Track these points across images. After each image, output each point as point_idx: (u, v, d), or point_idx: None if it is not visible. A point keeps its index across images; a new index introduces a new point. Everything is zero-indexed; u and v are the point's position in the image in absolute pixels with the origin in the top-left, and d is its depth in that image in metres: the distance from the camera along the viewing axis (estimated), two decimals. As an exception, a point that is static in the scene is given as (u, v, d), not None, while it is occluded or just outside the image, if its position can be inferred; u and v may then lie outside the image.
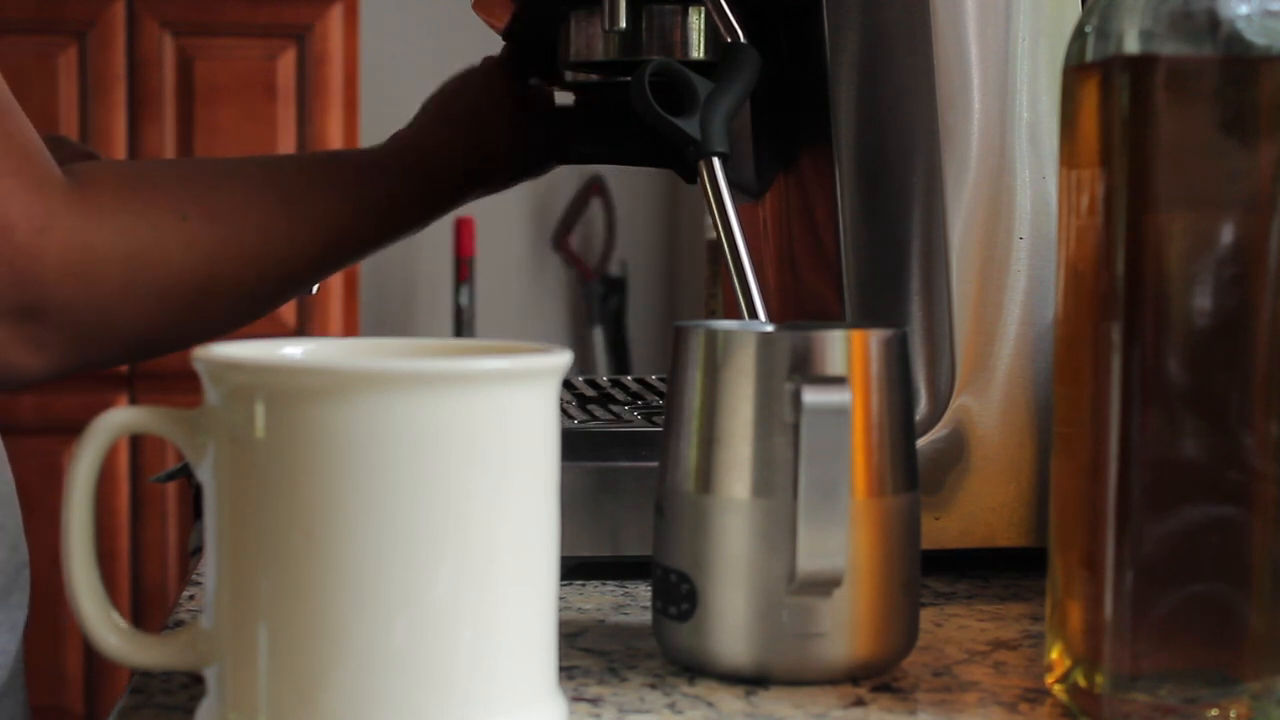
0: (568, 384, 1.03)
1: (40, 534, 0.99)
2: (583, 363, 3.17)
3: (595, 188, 3.15)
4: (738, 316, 0.78)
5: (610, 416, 0.88)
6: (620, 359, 3.16)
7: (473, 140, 1.00)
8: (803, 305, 0.93)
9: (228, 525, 0.52)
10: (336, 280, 2.68)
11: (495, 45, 1.05)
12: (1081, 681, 0.57)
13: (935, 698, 0.61)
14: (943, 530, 0.79)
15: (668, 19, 0.89)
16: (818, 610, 0.61)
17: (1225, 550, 0.55)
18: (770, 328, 0.65)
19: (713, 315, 2.65)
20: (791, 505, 0.60)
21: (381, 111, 2.98)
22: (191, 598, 0.75)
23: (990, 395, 0.80)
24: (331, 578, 0.50)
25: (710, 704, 0.60)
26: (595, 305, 3.16)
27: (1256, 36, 0.55)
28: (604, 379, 1.07)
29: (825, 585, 0.60)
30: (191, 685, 0.61)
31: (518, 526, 0.52)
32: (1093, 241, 0.57)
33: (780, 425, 0.61)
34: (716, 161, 0.78)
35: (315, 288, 0.93)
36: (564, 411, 0.89)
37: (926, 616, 0.73)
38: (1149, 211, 0.55)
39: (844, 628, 0.61)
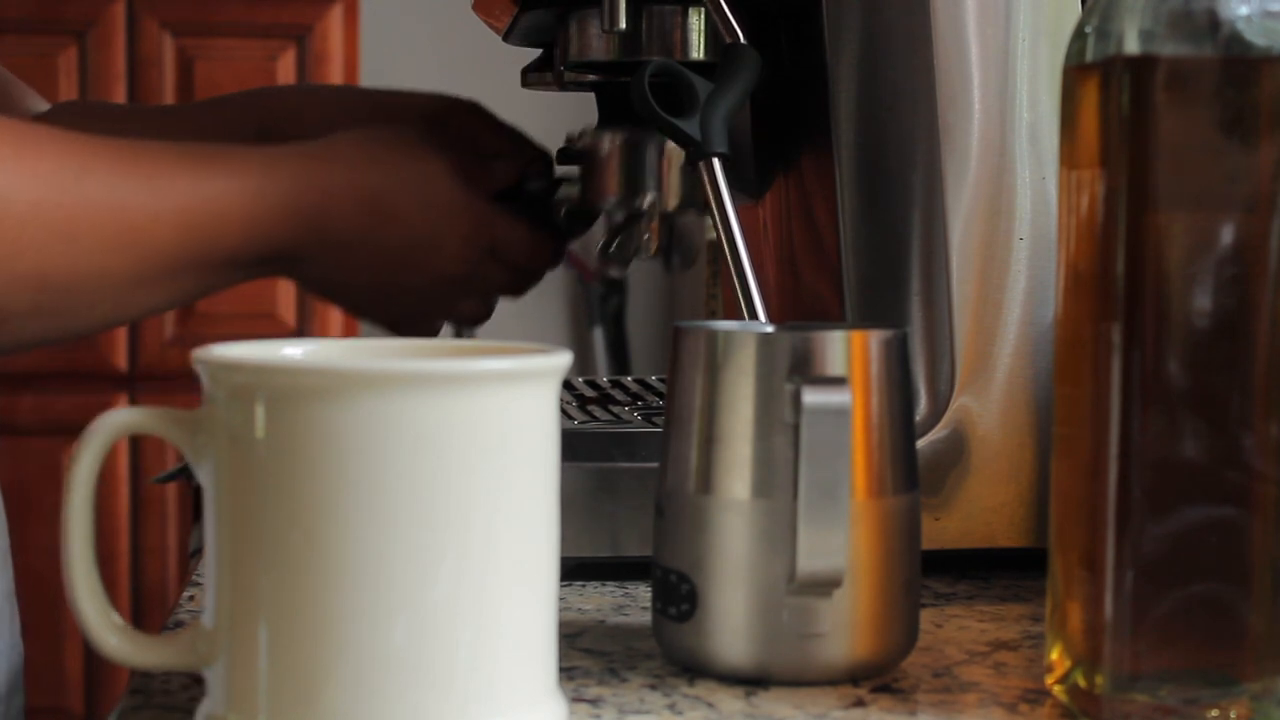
0: (568, 384, 1.03)
1: (40, 534, 0.99)
2: (583, 363, 3.16)
3: (595, 188, 3.14)
4: (738, 316, 0.78)
5: (610, 417, 0.88)
6: (620, 359, 3.16)
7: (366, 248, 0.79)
8: (803, 305, 0.93)
9: (228, 525, 0.52)
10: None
11: (496, 45, 1.05)
12: (1081, 682, 0.57)
13: (935, 698, 0.61)
14: (943, 530, 0.79)
15: (668, 19, 0.89)
16: (818, 610, 0.61)
17: (1225, 550, 0.55)
18: (770, 328, 0.65)
19: (713, 315, 2.65)
20: (791, 505, 0.60)
21: (381, 112, 2.98)
22: (191, 598, 0.75)
23: (990, 395, 0.80)
24: (331, 578, 0.50)
25: (710, 704, 0.60)
26: (595, 305, 3.15)
27: (1256, 37, 0.55)
28: (604, 379, 1.07)
29: (825, 585, 0.60)
30: (191, 685, 0.61)
31: (518, 526, 0.52)
32: (1093, 241, 0.57)
33: (780, 425, 0.61)
34: (716, 161, 0.78)
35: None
36: (564, 412, 0.89)
37: (926, 617, 0.73)
38: (1149, 211, 0.55)
39: (844, 628, 0.61)
